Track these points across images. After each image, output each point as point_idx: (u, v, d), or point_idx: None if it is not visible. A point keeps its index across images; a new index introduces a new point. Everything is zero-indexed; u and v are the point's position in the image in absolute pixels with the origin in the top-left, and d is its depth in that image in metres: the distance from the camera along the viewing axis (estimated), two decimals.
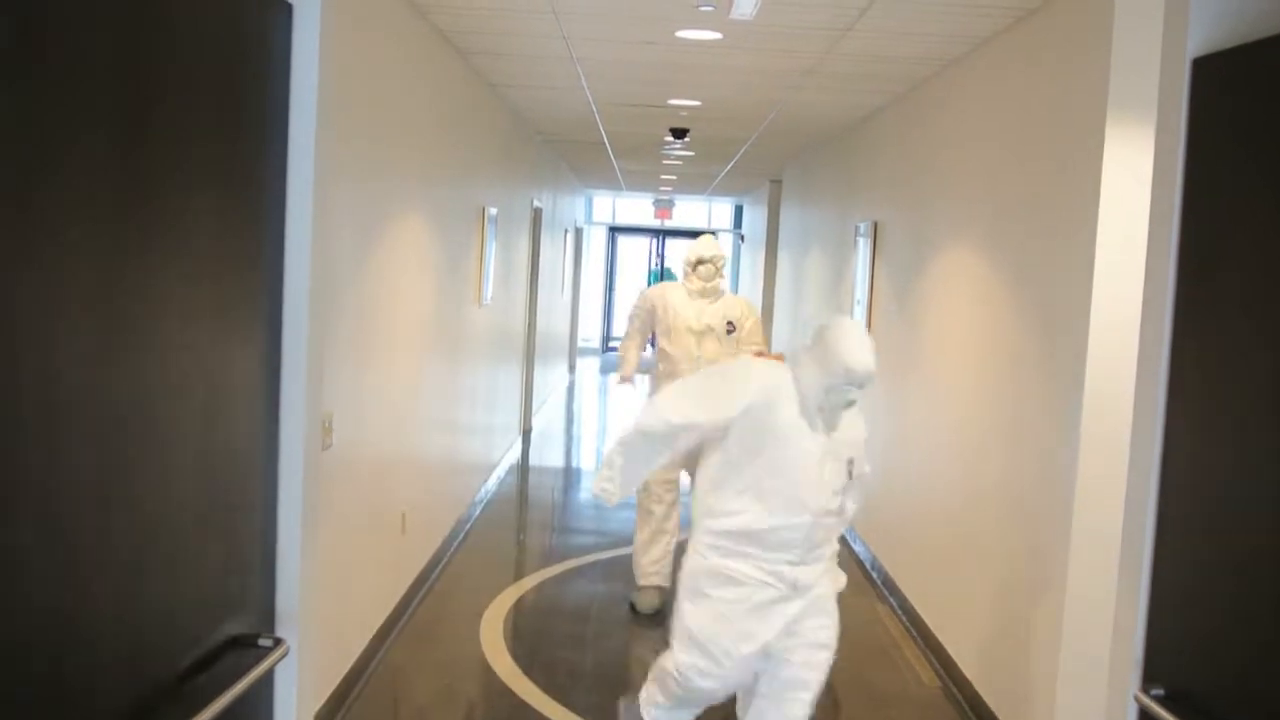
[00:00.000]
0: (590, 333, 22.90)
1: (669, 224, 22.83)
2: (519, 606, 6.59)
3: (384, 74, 5.17)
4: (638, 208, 22.76)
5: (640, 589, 6.52)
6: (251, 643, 2.68)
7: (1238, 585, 2.45)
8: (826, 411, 3.82)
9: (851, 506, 4.02)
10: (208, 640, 2.48)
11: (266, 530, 2.79)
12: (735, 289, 21.90)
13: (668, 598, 6.53)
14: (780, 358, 6.50)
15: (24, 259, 1.75)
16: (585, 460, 12.48)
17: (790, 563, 3.87)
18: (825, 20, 5.53)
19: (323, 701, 4.58)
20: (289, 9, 2.71)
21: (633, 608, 6.50)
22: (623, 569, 7.18)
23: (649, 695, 4.29)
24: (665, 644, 6.09)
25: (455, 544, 7.60)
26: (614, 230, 24.23)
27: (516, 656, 5.73)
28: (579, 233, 19.20)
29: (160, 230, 2.16)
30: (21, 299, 1.75)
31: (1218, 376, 2.58)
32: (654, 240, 24.54)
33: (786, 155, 12.50)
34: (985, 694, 5.16)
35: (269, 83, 2.65)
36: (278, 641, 2.71)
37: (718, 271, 6.75)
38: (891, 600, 6.85)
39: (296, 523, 2.84)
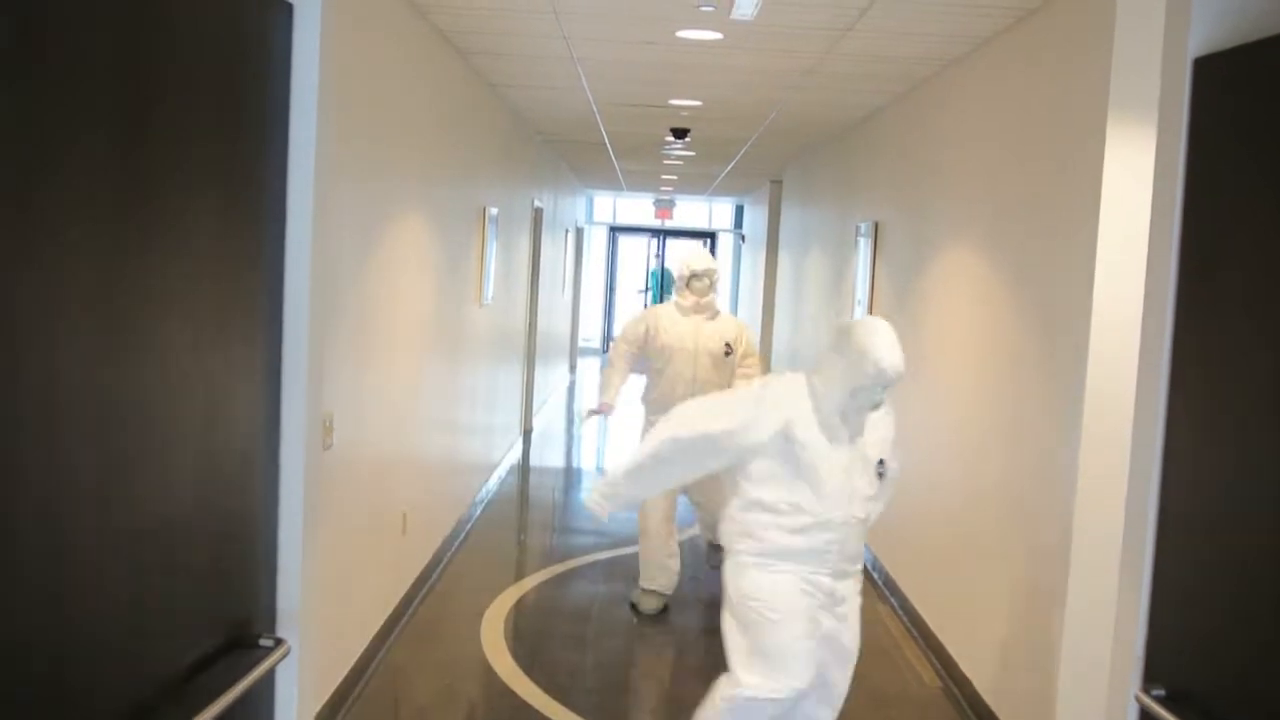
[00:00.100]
0: (591, 333, 22.89)
1: (670, 224, 22.83)
2: (520, 607, 6.59)
3: (384, 74, 5.17)
4: (638, 208, 22.76)
5: (643, 591, 6.50)
6: (252, 643, 2.68)
7: (1239, 585, 2.45)
8: (851, 416, 3.74)
9: (880, 508, 3.97)
10: (209, 640, 2.48)
11: (267, 531, 2.79)
12: (736, 289, 21.90)
13: (669, 600, 6.53)
14: None
15: (24, 259, 1.75)
16: (586, 460, 12.48)
17: (829, 575, 3.83)
18: (825, 20, 5.52)
19: (323, 701, 4.58)
20: (289, 9, 2.71)
21: (634, 608, 6.49)
22: (623, 569, 7.18)
23: None
24: (665, 644, 6.10)
25: (456, 544, 7.60)
26: (614, 230, 24.23)
27: (517, 657, 5.73)
28: (580, 233, 19.20)
29: (160, 230, 2.16)
30: (21, 299, 1.75)
31: (1219, 376, 2.58)
32: (653, 240, 24.54)
33: (787, 155, 12.50)
34: (986, 694, 5.16)
35: (269, 83, 2.65)
36: (278, 642, 2.71)
37: (712, 286, 6.54)
38: (892, 600, 6.85)
39: (297, 523, 2.84)
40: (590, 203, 22.30)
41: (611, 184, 18.70)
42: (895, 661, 5.99)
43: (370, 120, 4.92)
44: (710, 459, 3.90)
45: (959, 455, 5.83)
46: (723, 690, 3.99)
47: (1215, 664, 2.52)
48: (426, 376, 6.49)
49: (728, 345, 6.46)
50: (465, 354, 7.80)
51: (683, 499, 6.87)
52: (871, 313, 8.13)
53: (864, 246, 8.42)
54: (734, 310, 21.09)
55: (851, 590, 3.94)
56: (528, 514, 9.52)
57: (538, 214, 11.88)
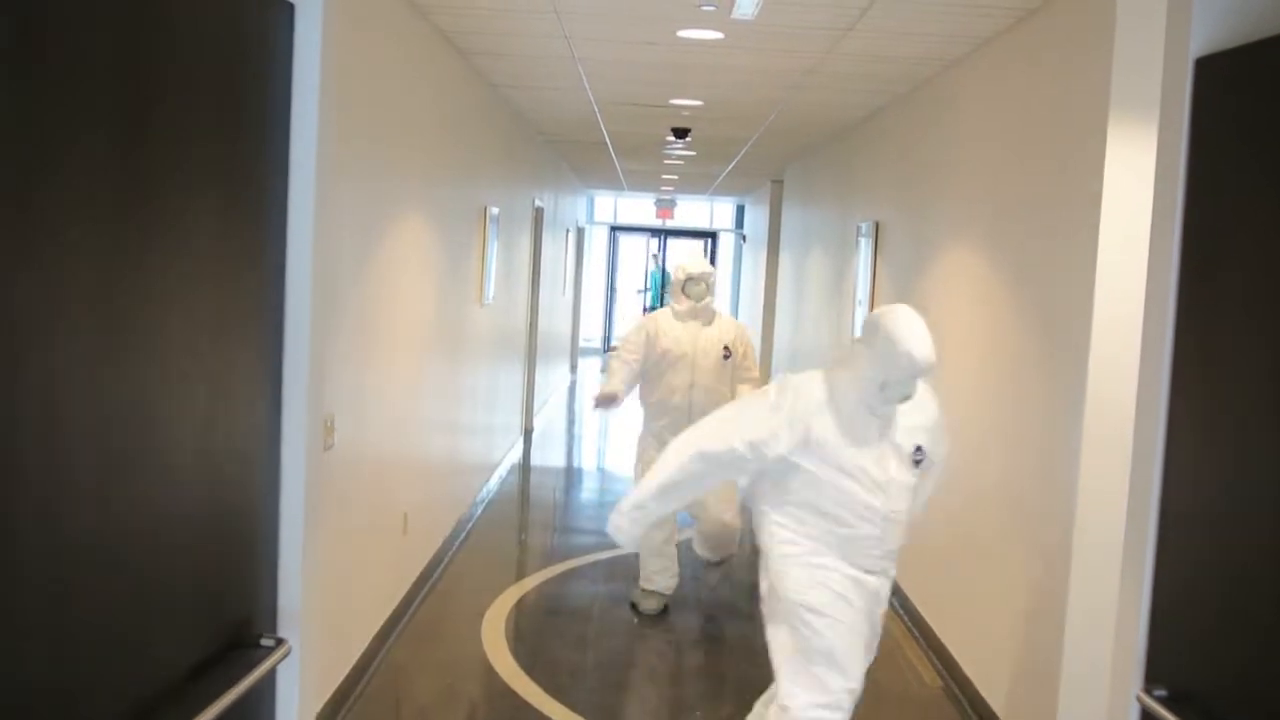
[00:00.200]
0: (592, 333, 22.89)
1: (670, 224, 22.83)
2: (520, 606, 6.59)
3: (385, 74, 5.17)
4: (639, 207, 22.76)
5: (643, 591, 6.50)
6: (253, 643, 2.68)
7: (1240, 585, 2.44)
8: (879, 409, 3.62)
9: (925, 496, 3.86)
10: (210, 640, 2.48)
11: (268, 531, 2.79)
12: (737, 290, 21.89)
13: (669, 600, 6.53)
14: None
15: (24, 259, 1.75)
16: (587, 460, 12.48)
17: (869, 571, 3.73)
18: (826, 20, 5.52)
19: (324, 701, 4.58)
20: (290, 9, 2.71)
21: (634, 608, 6.49)
22: (624, 569, 7.18)
23: None
24: (666, 644, 6.09)
25: (457, 544, 7.60)
26: (615, 230, 24.23)
27: (518, 656, 5.73)
28: (580, 232, 19.20)
29: (161, 230, 2.16)
30: (21, 299, 1.75)
31: (1220, 376, 2.58)
32: (653, 240, 24.53)
33: (788, 155, 12.50)
34: (987, 694, 5.15)
35: (270, 83, 2.65)
36: (279, 641, 2.71)
37: (708, 290, 6.43)
38: (893, 600, 6.85)
39: (298, 523, 2.84)
40: (591, 202, 22.30)
41: (612, 184, 18.70)
42: (896, 661, 5.98)
43: (371, 120, 4.92)
44: (736, 470, 3.78)
45: (960, 455, 5.81)
46: (774, 717, 3.82)
47: (1217, 664, 2.52)
48: (427, 376, 6.49)
49: (726, 349, 6.39)
50: (466, 354, 7.80)
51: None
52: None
53: (865, 246, 8.42)
54: (735, 311, 21.09)
55: (886, 590, 3.84)
56: (528, 514, 9.52)
57: (539, 214, 11.88)
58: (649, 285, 23.97)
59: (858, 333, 8.52)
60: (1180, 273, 2.73)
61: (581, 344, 20.37)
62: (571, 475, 11.38)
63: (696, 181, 16.97)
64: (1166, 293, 2.76)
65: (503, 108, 8.94)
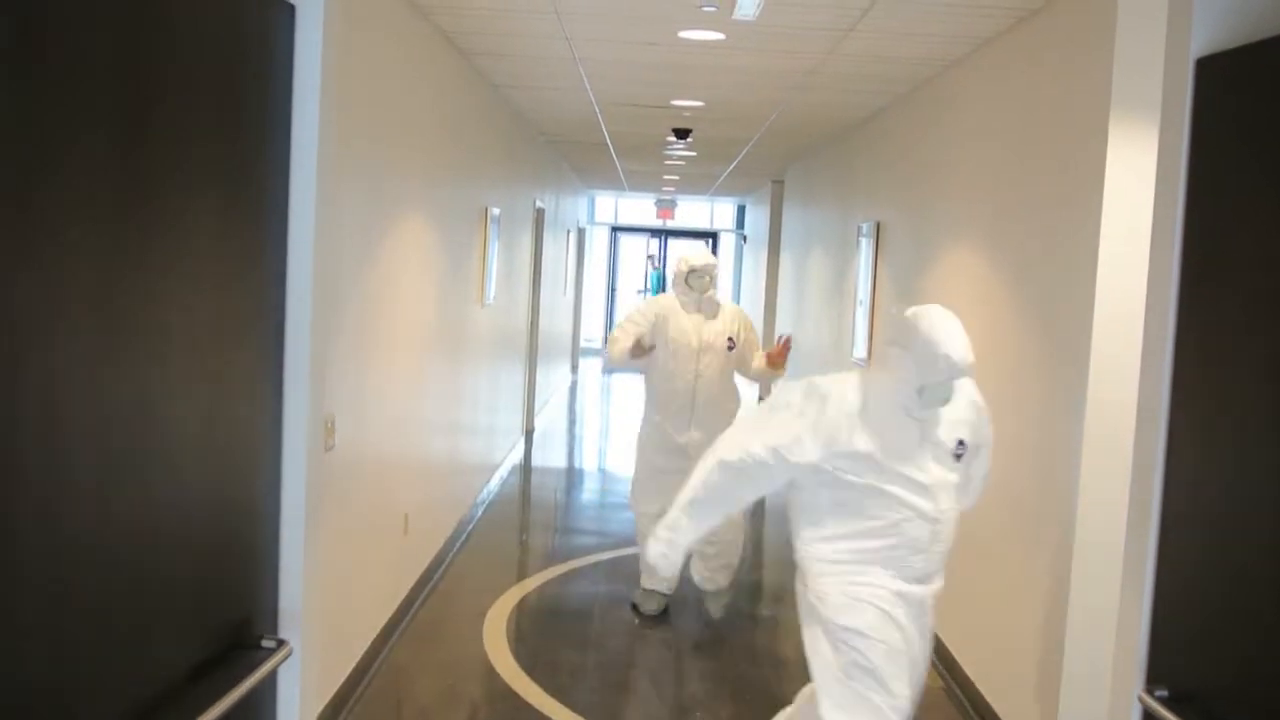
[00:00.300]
0: (593, 333, 22.90)
1: (671, 224, 22.84)
2: (522, 607, 6.59)
3: (386, 75, 5.17)
4: (640, 208, 22.77)
5: (644, 591, 6.49)
6: (254, 644, 2.68)
7: (1241, 586, 2.44)
8: (917, 411, 3.46)
9: (975, 490, 3.71)
10: (210, 642, 2.48)
11: (269, 531, 2.78)
12: (738, 290, 21.89)
13: (670, 600, 6.52)
14: (777, 361, 6.34)
15: (24, 259, 1.75)
16: (588, 461, 12.48)
17: (916, 580, 3.54)
18: (827, 21, 5.52)
19: (325, 702, 4.58)
20: (291, 9, 2.71)
21: (635, 609, 6.48)
22: (625, 570, 7.18)
23: None
24: (667, 644, 6.08)
25: (458, 545, 7.60)
26: (616, 230, 24.24)
27: (519, 657, 5.72)
28: (581, 233, 19.20)
29: (161, 230, 2.16)
30: (21, 299, 1.75)
31: (1221, 376, 2.57)
32: (652, 240, 24.54)
33: (789, 156, 12.50)
34: (987, 694, 5.15)
35: (271, 83, 2.64)
36: (281, 643, 2.71)
37: (711, 282, 6.35)
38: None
39: (299, 524, 2.84)
40: (592, 203, 22.30)
41: (613, 184, 18.70)
42: None
43: (372, 121, 4.92)
44: (763, 479, 3.60)
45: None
46: None
47: (1218, 665, 2.52)
48: (428, 377, 6.48)
49: (730, 340, 6.33)
50: (467, 354, 7.80)
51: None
52: (873, 312, 8.13)
53: (866, 247, 8.42)
54: None
55: (932, 599, 3.63)
56: (529, 514, 9.52)
57: (539, 214, 11.88)
58: (649, 285, 23.98)
59: (858, 333, 8.53)
60: (1181, 273, 2.73)
61: (582, 344, 20.37)
62: (572, 476, 11.38)
63: (697, 182, 16.97)
64: (1167, 292, 2.76)
65: (503, 108, 8.95)
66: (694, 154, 12.64)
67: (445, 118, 6.73)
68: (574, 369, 18.90)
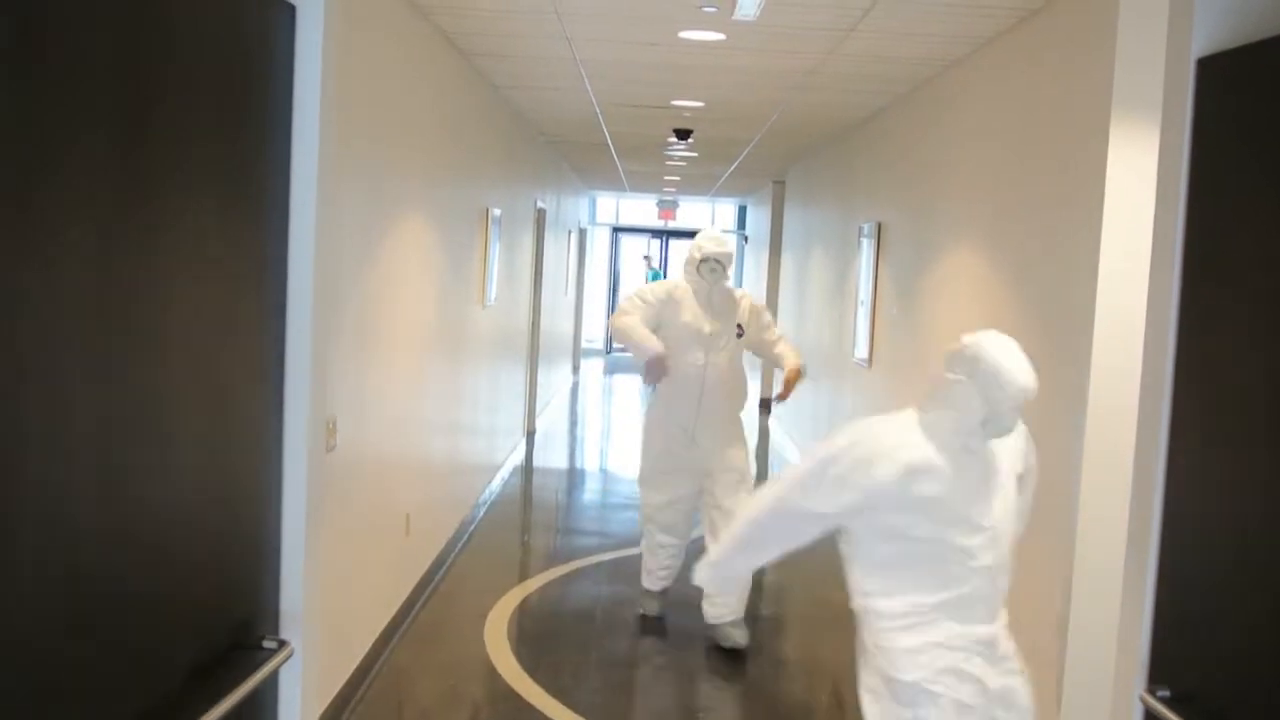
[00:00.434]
0: (594, 334, 22.90)
1: (673, 224, 22.85)
2: (523, 608, 6.59)
3: (386, 75, 5.17)
4: (642, 208, 22.77)
5: (647, 592, 6.44)
6: (255, 645, 2.68)
7: (1243, 586, 2.44)
8: (978, 445, 3.23)
9: (1025, 517, 3.49)
10: (212, 643, 2.48)
11: (270, 532, 2.78)
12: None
13: (671, 601, 6.50)
14: (795, 371, 6.20)
15: (24, 259, 1.75)
16: (589, 462, 12.48)
17: (983, 620, 3.25)
18: (828, 21, 5.52)
19: (327, 703, 4.57)
20: (291, 10, 2.71)
21: (644, 617, 6.42)
22: (627, 570, 7.17)
23: None
24: (669, 645, 6.07)
25: (459, 545, 7.60)
26: (617, 231, 24.24)
27: (521, 658, 5.72)
28: (583, 233, 19.20)
29: (161, 231, 2.16)
30: (21, 299, 1.75)
31: (1223, 376, 2.57)
32: (653, 241, 24.54)
33: (790, 156, 12.50)
34: None
35: (271, 83, 2.64)
36: (282, 644, 2.71)
37: (724, 272, 6.12)
38: None
39: (300, 525, 2.84)
40: (593, 203, 22.31)
41: (614, 185, 18.70)
42: None
43: (373, 121, 4.92)
44: (813, 526, 3.34)
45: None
46: None
47: (1220, 665, 2.51)
48: (429, 377, 6.48)
49: (739, 327, 6.17)
50: (468, 355, 7.80)
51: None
52: (874, 313, 8.13)
53: (867, 247, 8.42)
54: None
55: (1005, 633, 3.33)
56: (531, 515, 9.52)
57: (540, 215, 11.89)
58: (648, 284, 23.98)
59: (859, 333, 8.53)
60: (1183, 272, 2.73)
61: (584, 345, 20.37)
62: (574, 477, 11.38)
63: (698, 182, 16.97)
64: (1169, 292, 2.75)
65: (504, 109, 8.95)
66: (695, 154, 12.64)
67: (446, 118, 6.73)
68: (575, 370, 18.90)
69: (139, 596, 2.16)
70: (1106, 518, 4.07)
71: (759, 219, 18.48)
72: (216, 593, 2.51)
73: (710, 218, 23.42)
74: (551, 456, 12.05)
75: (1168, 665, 2.69)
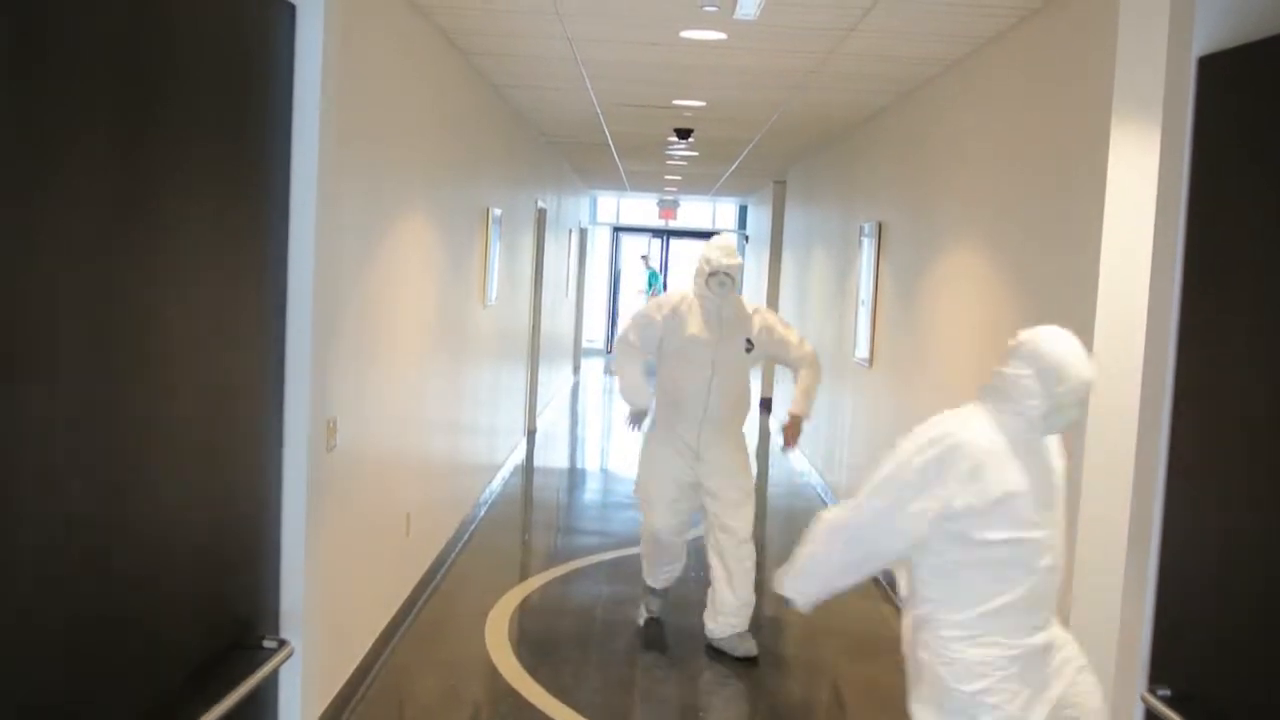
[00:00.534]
0: (594, 334, 22.90)
1: (674, 224, 22.85)
2: (524, 607, 6.58)
3: (387, 75, 5.17)
4: (642, 208, 22.77)
5: (649, 590, 6.41)
6: (256, 644, 2.68)
7: (1244, 587, 2.44)
8: (1036, 443, 3.18)
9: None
10: (213, 643, 2.48)
11: (271, 532, 2.78)
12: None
13: (672, 600, 6.50)
14: (795, 419, 6.06)
15: (24, 259, 1.75)
16: (590, 462, 12.48)
17: (1041, 627, 3.17)
18: (829, 20, 5.52)
19: (327, 703, 4.57)
20: (292, 9, 2.71)
21: (652, 620, 6.37)
22: (627, 569, 7.17)
23: None
24: (669, 643, 6.07)
25: (460, 545, 7.60)
26: (618, 230, 24.24)
27: (521, 657, 5.72)
28: (583, 233, 19.20)
29: (161, 230, 2.15)
30: (21, 299, 1.75)
31: (1224, 376, 2.57)
32: (654, 240, 24.55)
33: (790, 156, 12.49)
34: None
35: (272, 83, 2.64)
36: (282, 643, 2.71)
37: (734, 285, 5.90)
38: (895, 598, 6.83)
39: (300, 525, 2.84)
40: (594, 203, 22.30)
41: (615, 184, 18.70)
42: (899, 662, 5.96)
43: (373, 121, 4.92)
44: (903, 529, 3.20)
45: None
46: None
47: (1221, 665, 2.51)
48: (430, 377, 6.48)
49: (748, 341, 5.96)
50: (469, 355, 7.80)
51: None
52: (875, 312, 8.12)
53: (868, 247, 8.42)
54: None
55: (1062, 634, 3.23)
56: (531, 514, 9.52)
57: (541, 214, 11.88)
58: (650, 282, 24.01)
59: (859, 332, 8.53)
60: (1184, 269, 2.72)
61: (584, 345, 20.37)
62: (575, 476, 11.38)
63: (699, 182, 16.97)
64: (1169, 290, 2.75)
65: (504, 108, 8.95)
66: (696, 154, 12.64)
67: (446, 118, 6.72)
68: (576, 369, 18.89)
69: (139, 596, 2.16)
70: (1107, 518, 4.06)
71: (760, 219, 18.48)
72: (217, 592, 2.51)
73: (711, 217, 23.42)
74: (552, 456, 12.05)
75: (1168, 665, 2.68)
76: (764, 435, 13.25)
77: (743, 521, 6.03)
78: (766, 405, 14.20)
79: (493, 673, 5.54)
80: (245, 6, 2.53)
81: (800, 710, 5.52)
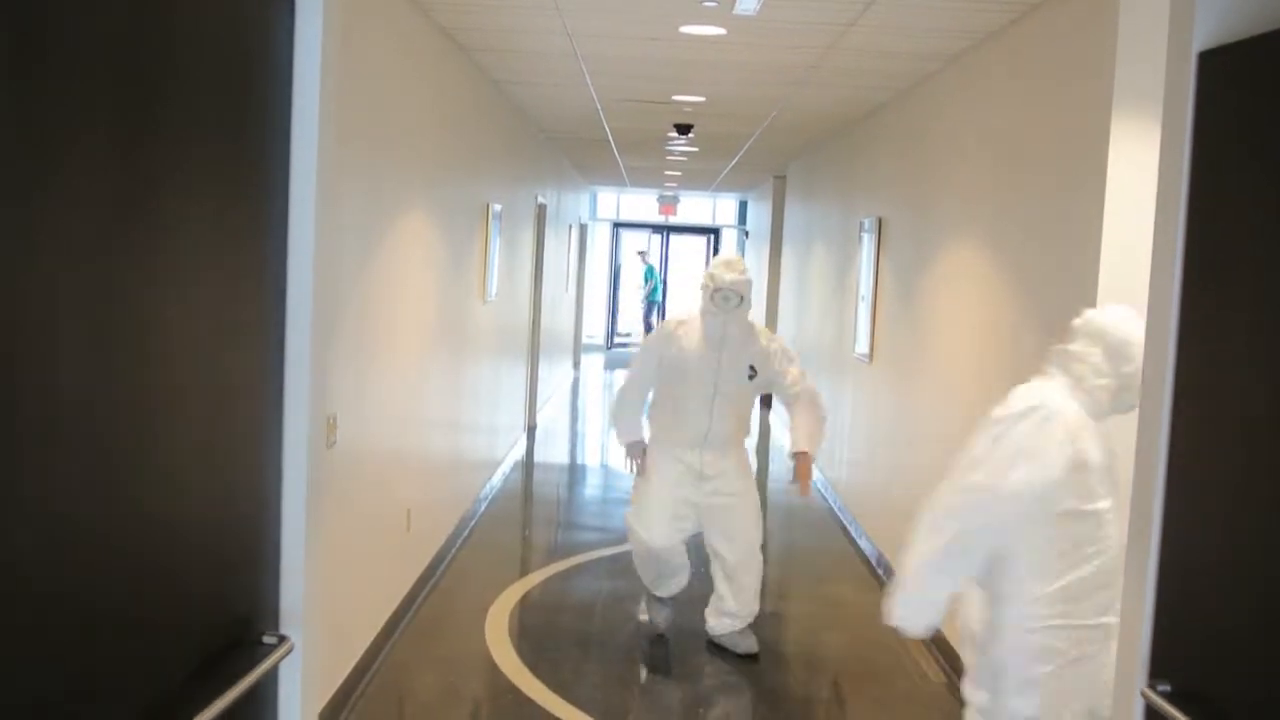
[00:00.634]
0: (595, 329, 22.90)
1: (674, 220, 22.85)
2: (524, 603, 6.59)
3: (387, 71, 5.16)
4: (642, 204, 22.77)
5: (653, 599, 6.21)
6: (255, 640, 2.68)
7: (1245, 582, 2.44)
8: (1107, 418, 3.12)
9: None
10: (211, 638, 2.48)
11: (270, 528, 2.78)
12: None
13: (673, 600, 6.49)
14: (806, 459, 5.77)
15: (24, 259, 1.75)
16: (590, 457, 12.48)
17: (1106, 608, 3.11)
18: (828, 15, 5.52)
19: (327, 699, 4.58)
20: (291, 5, 2.70)
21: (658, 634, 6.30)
22: (628, 565, 7.17)
23: None
24: (669, 640, 6.07)
25: (460, 541, 7.60)
26: (618, 226, 24.23)
27: (521, 653, 5.72)
28: (583, 229, 19.20)
29: (161, 230, 2.15)
30: (21, 299, 1.75)
31: (1225, 373, 2.57)
32: (655, 236, 24.54)
33: (791, 151, 12.49)
34: None
35: (271, 79, 2.64)
36: (282, 639, 2.71)
37: (742, 301, 5.65)
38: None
39: (300, 520, 2.84)
40: (594, 199, 22.30)
41: (615, 180, 18.69)
42: (899, 657, 5.98)
43: (373, 117, 4.92)
44: (1005, 509, 3.09)
45: (963, 451, 5.81)
46: None
47: (1223, 660, 2.51)
48: (430, 373, 6.48)
49: (751, 369, 5.74)
50: (469, 350, 7.80)
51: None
52: (876, 309, 8.12)
53: (868, 242, 8.41)
54: None
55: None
56: (532, 510, 9.53)
57: (541, 210, 11.88)
58: (646, 278, 24.02)
59: (859, 328, 8.52)
60: (1184, 266, 2.72)
61: (584, 341, 20.37)
62: (575, 472, 11.39)
63: (699, 177, 16.97)
64: (1170, 286, 2.75)
65: (505, 104, 8.94)
66: (696, 150, 12.63)
67: (446, 114, 6.72)
68: (576, 365, 18.90)
69: (138, 593, 2.16)
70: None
71: (760, 214, 18.47)
72: (216, 589, 2.51)
73: (711, 213, 23.42)
74: (552, 452, 12.05)
75: (1169, 660, 2.69)
76: (764, 431, 13.25)
77: (748, 540, 5.90)
78: (766, 401, 14.20)
79: (493, 669, 5.55)
80: (245, 5, 2.52)
81: (801, 706, 5.53)
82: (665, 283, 24.22)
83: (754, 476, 6.15)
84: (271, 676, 2.78)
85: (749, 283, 5.69)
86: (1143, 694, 2.69)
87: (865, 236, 8.55)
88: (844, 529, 8.50)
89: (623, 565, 7.29)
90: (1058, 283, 4.64)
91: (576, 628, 6.22)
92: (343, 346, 4.50)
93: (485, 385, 8.78)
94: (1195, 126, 2.70)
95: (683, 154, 13.25)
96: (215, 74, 2.37)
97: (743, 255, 20.76)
